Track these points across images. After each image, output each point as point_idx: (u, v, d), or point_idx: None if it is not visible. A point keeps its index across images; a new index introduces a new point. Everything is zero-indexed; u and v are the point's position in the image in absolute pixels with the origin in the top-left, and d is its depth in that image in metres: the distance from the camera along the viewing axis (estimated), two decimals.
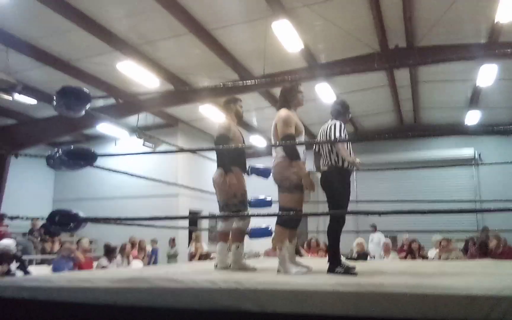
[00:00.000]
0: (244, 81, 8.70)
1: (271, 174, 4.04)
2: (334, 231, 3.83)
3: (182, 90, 11.09)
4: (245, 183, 4.40)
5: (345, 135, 4.00)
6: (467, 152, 13.86)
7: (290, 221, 3.93)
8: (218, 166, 4.38)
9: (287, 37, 8.14)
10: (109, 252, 7.71)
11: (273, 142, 4.01)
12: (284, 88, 4.21)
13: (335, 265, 3.68)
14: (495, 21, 7.59)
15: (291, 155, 3.85)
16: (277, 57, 9.08)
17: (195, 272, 3.69)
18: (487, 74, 9.32)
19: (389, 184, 13.75)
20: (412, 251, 8.52)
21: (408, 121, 14.18)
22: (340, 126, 3.95)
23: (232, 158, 4.32)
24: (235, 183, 4.24)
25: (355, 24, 8.36)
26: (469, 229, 12.11)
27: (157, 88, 10.16)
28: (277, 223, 3.89)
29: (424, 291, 2.41)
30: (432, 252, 8.75)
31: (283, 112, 4.03)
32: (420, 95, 12.02)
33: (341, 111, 4.17)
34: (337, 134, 3.89)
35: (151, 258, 10.52)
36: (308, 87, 10.38)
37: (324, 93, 10.51)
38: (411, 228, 10.45)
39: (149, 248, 10.74)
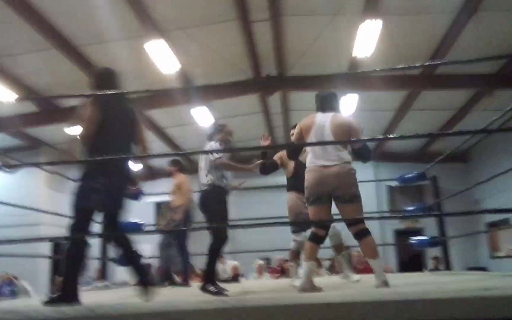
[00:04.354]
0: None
1: (342, 184, 3.46)
2: (215, 249, 3.84)
3: (45, 109, 10.13)
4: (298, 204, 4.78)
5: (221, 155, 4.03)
6: None
7: None
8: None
9: (162, 58, 8.04)
10: None
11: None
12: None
13: (209, 283, 3.66)
14: (353, 55, 8.41)
15: (368, 158, 3.77)
16: (153, 78, 8.86)
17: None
18: (349, 103, 10.21)
19: (267, 207, 14.13)
20: (285, 271, 8.81)
21: None
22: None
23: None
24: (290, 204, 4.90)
25: (230, 50, 8.59)
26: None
27: (16, 106, 9.18)
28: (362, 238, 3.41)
29: (286, 303, 2.45)
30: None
31: (349, 117, 4.09)
32: (291, 122, 12.72)
33: (214, 132, 4.23)
34: (216, 155, 3.94)
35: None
36: (185, 110, 10.36)
37: (203, 117, 10.53)
38: (285, 248, 10.65)
39: None
